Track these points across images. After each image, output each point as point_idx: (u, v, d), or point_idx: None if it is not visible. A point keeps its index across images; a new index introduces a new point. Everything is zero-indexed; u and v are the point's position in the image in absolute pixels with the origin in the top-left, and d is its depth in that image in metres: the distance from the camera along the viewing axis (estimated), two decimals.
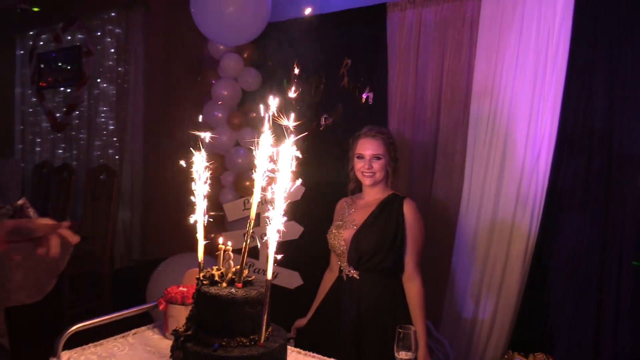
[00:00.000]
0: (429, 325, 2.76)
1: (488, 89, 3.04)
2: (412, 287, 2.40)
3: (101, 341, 1.73)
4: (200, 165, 1.48)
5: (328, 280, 2.64)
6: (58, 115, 6.60)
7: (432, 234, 3.41)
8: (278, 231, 1.24)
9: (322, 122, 3.78)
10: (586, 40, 2.83)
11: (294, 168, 1.25)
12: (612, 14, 2.77)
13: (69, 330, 1.58)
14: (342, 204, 2.63)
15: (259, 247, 3.30)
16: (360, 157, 2.46)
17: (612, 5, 2.77)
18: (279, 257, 1.26)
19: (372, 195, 2.52)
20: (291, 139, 1.24)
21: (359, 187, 2.63)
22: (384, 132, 2.50)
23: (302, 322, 2.67)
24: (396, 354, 1.59)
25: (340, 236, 2.45)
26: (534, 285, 2.98)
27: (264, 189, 1.29)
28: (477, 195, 3.09)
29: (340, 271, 2.50)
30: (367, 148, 2.45)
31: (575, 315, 2.86)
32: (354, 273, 2.41)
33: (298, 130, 1.27)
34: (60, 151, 6.64)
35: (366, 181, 2.47)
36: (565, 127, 2.87)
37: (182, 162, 1.56)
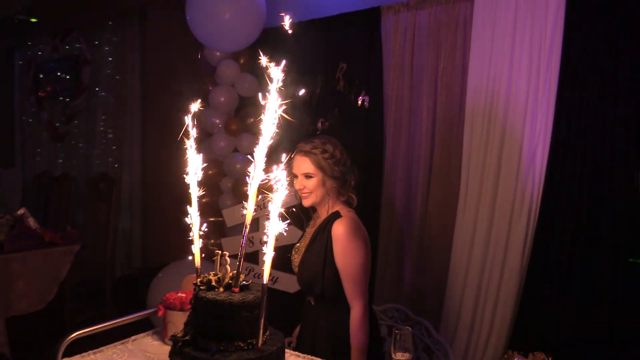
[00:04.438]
0: (428, 326, 2.77)
1: (482, 90, 3.06)
2: (351, 315, 2.15)
3: (101, 348, 1.74)
4: (194, 169, 1.48)
5: None
6: (57, 124, 6.62)
7: (430, 235, 3.43)
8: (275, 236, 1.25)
9: (319, 126, 3.81)
10: (579, 40, 2.85)
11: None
12: (605, 14, 2.79)
13: (68, 338, 1.59)
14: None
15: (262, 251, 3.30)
16: (295, 176, 2.25)
17: (604, 5, 2.79)
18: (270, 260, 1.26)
19: (320, 216, 2.33)
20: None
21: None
22: (317, 147, 2.22)
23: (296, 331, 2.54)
24: (393, 355, 1.60)
25: (294, 261, 2.32)
26: (533, 284, 2.99)
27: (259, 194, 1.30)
28: (474, 196, 3.10)
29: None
30: (298, 167, 2.24)
31: (575, 314, 2.87)
32: (311, 299, 2.29)
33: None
34: (60, 161, 6.66)
35: (303, 202, 2.27)
36: (560, 125, 2.89)
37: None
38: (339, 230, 2.14)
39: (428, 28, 3.42)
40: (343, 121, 3.74)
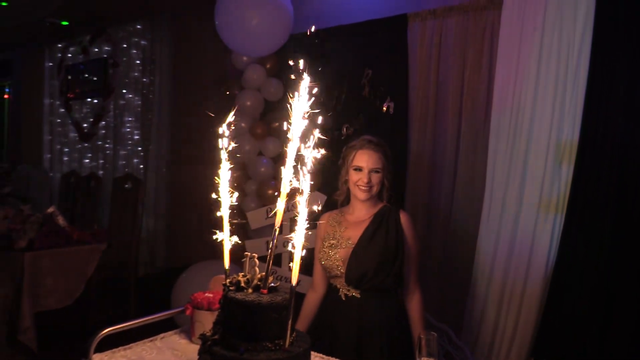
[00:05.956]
0: (449, 332, 2.77)
1: (509, 98, 3.04)
2: (414, 300, 2.28)
3: (130, 345, 1.78)
4: (225, 172, 1.51)
5: (313, 301, 2.42)
6: (85, 125, 6.75)
7: (454, 241, 3.43)
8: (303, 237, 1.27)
9: (344, 131, 3.83)
10: (607, 51, 2.82)
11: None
12: (634, 24, 2.76)
13: (101, 333, 1.62)
14: (328, 219, 2.40)
15: (291, 251, 3.32)
16: (358, 169, 2.26)
17: (634, 14, 2.76)
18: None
19: (364, 210, 2.34)
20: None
21: (346, 200, 2.42)
22: (383, 145, 2.31)
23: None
24: None
25: (336, 256, 2.26)
26: (558, 292, 2.96)
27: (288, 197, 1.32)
28: (498, 204, 3.09)
29: (337, 291, 2.28)
30: (367, 160, 2.25)
31: (601, 323, 2.84)
32: (355, 292, 2.23)
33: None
34: (87, 160, 6.80)
35: (362, 195, 2.27)
36: (586, 136, 2.86)
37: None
38: (409, 219, 2.31)
39: (454, 35, 3.42)
40: (368, 127, 3.75)
